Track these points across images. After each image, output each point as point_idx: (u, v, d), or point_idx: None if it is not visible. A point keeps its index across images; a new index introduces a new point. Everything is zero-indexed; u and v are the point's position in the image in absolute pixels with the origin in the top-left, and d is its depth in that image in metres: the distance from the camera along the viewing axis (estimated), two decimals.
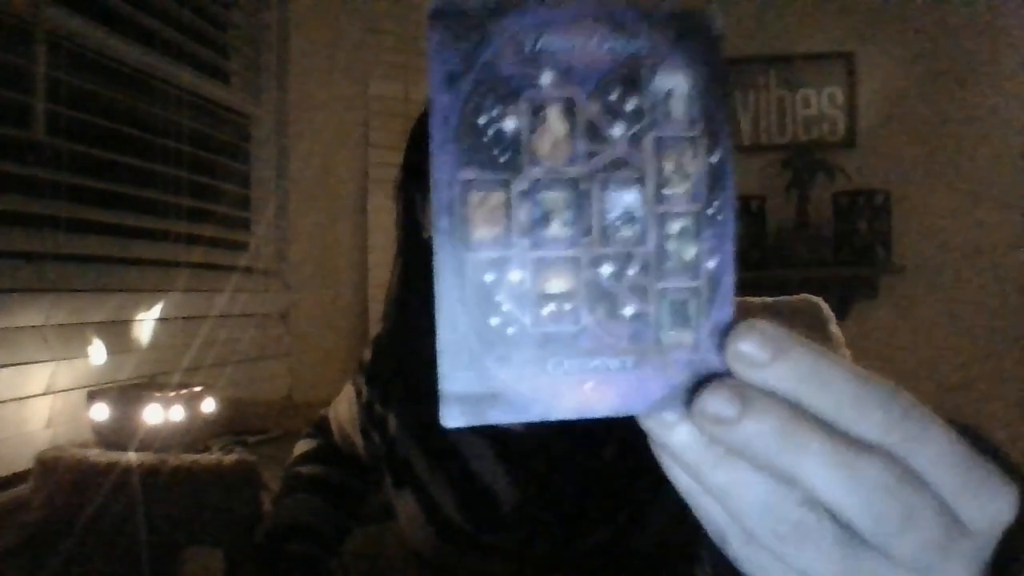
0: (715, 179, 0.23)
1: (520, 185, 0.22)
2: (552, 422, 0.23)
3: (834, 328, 1.08)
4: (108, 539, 0.94)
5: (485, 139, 0.22)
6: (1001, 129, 2.59)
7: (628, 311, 0.22)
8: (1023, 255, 2.57)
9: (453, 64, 0.22)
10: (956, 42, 2.60)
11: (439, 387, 0.22)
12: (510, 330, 0.22)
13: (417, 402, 0.74)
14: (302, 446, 0.92)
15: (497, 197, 0.22)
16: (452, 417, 0.22)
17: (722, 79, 0.23)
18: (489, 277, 0.22)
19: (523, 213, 0.22)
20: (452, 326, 0.22)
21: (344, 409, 0.87)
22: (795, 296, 1.12)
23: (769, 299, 1.12)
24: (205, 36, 1.63)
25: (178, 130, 1.51)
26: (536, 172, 0.22)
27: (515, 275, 0.22)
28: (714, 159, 0.23)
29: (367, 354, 0.85)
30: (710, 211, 0.23)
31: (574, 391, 0.22)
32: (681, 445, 0.23)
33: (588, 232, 0.22)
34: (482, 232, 0.22)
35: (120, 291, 1.31)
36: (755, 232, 2.55)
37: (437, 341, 0.22)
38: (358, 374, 0.84)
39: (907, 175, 2.62)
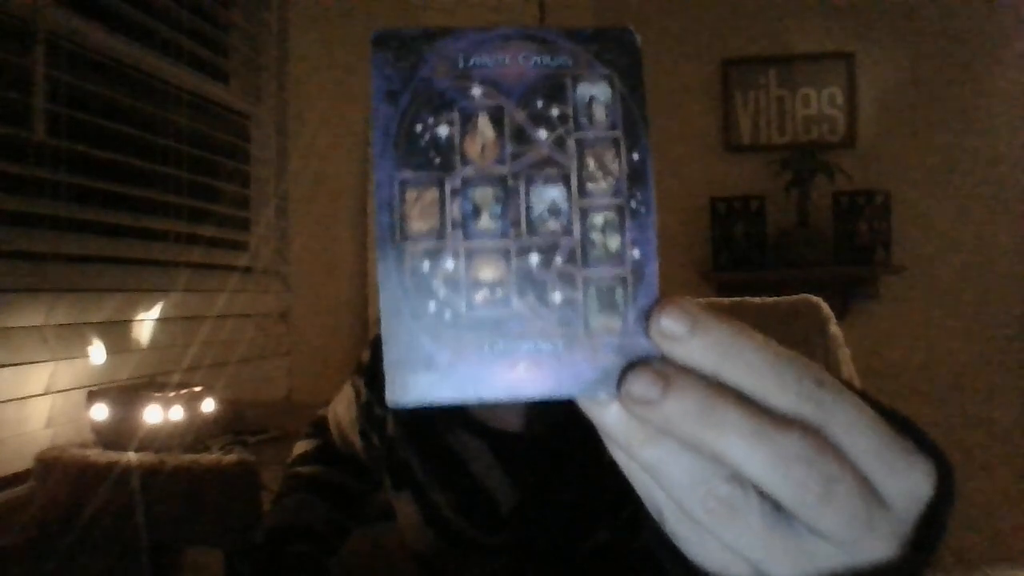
0: (636, 175, 0.25)
1: (452, 183, 0.24)
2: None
3: (834, 328, 1.08)
4: (108, 539, 0.94)
5: (421, 144, 0.24)
6: (1001, 129, 2.59)
7: (557, 297, 0.24)
8: (1023, 255, 2.57)
9: (393, 82, 0.25)
10: (956, 42, 2.60)
11: (384, 367, 0.24)
12: (447, 314, 0.24)
13: None
14: (301, 446, 0.92)
15: (431, 194, 0.24)
16: (397, 395, 0.24)
17: (641, 86, 0.25)
18: (426, 266, 0.24)
19: (455, 208, 0.24)
20: (395, 311, 0.24)
21: (343, 410, 0.87)
22: (795, 296, 1.12)
23: (769, 299, 1.12)
24: (205, 36, 1.63)
25: (178, 130, 1.51)
26: (467, 171, 0.24)
27: (449, 264, 0.24)
28: (635, 157, 0.25)
29: (366, 355, 0.85)
30: (633, 204, 0.25)
31: (508, 372, 0.24)
32: (613, 425, 0.24)
33: (516, 224, 0.24)
34: (418, 225, 0.24)
35: (120, 291, 1.31)
36: (755, 232, 2.55)
37: (381, 325, 0.24)
38: (357, 375, 0.84)
39: (907, 175, 2.62)
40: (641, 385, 0.23)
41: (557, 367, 0.24)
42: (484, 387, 0.24)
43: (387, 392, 0.24)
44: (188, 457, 0.99)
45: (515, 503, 0.67)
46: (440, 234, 0.24)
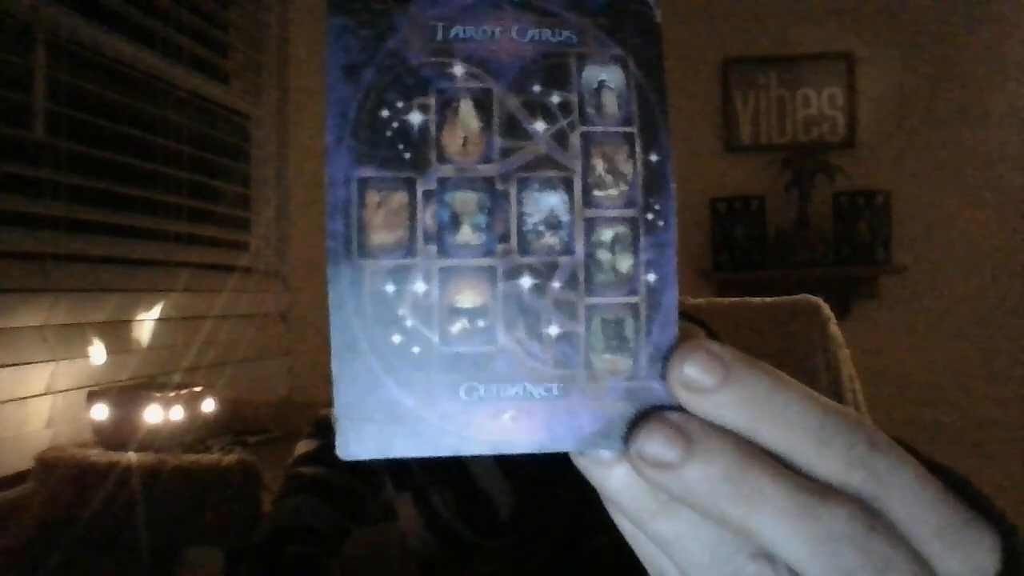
0: (654, 180, 0.20)
1: (426, 184, 0.20)
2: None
3: (834, 328, 1.08)
4: (108, 539, 0.94)
5: (387, 134, 0.20)
6: (1001, 129, 2.59)
7: (553, 330, 0.20)
8: (1023, 255, 2.57)
9: (354, 54, 0.20)
10: (956, 42, 2.60)
11: (334, 413, 0.20)
12: (415, 349, 0.19)
13: None
14: (303, 446, 0.92)
15: (399, 198, 0.20)
16: (350, 448, 0.20)
17: (660, 71, 0.21)
18: (390, 288, 0.19)
19: (429, 216, 0.20)
20: (348, 344, 0.19)
21: None
22: (795, 296, 1.12)
23: (769, 299, 1.12)
24: (205, 36, 1.63)
25: (178, 130, 1.51)
26: (445, 170, 0.20)
27: (420, 286, 0.19)
28: (652, 158, 0.20)
29: None
30: (649, 216, 0.20)
31: (491, 422, 0.20)
32: (618, 489, 0.20)
33: (505, 238, 0.20)
34: (382, 237, 0.19)
35: (120, 291, 1.31)
36: (755, 232, 2.55)
37: (332, 361, 0.19)
38: None
39: (907, 175, 2.62)
40: (657, 444, 0.19)
41: (551, 416, 0.20)
42: (460, 440, 0.20)
43: (338, 443, 0.20)
44: (188, 457, 0.99)
45: (515, 507, 0.67)
46: (409, 249, 0.19)
